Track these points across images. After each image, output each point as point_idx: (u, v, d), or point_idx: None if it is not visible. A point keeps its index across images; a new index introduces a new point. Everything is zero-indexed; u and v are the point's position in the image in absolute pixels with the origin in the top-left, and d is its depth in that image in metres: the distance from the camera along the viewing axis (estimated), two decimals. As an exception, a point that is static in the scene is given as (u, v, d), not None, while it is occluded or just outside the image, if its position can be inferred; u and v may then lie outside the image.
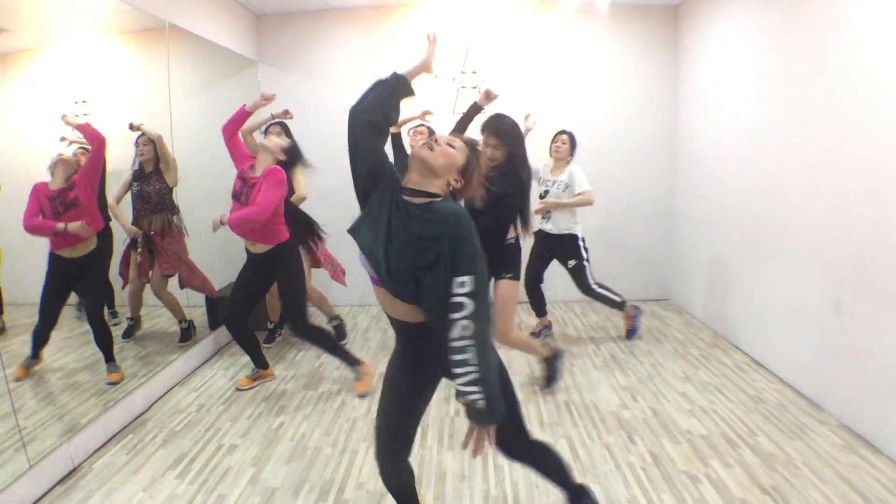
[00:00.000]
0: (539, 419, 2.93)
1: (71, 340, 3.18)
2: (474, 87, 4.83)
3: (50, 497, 2.30)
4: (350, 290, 4.40)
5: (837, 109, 2.82)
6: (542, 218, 3.85)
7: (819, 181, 2.96)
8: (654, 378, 3.40)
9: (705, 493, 2.27)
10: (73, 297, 3.04)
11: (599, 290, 3.93)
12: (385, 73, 1.69)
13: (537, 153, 3.76)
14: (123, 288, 3.50)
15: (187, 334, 3.73)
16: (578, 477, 2.38)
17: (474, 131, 2.85)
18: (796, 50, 3.15)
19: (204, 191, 4.20)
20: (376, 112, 1.62)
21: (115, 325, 3.54)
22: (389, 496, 2.25)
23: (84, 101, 3.12)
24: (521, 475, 2.41)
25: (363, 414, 3.02)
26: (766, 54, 3.46)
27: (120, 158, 3.48)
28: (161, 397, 3.25)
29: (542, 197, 3.82)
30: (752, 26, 3.62)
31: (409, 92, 1.71)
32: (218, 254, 4.45)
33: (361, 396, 3.22)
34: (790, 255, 3.24)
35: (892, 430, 2.48)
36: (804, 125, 3.09)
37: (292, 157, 3.22)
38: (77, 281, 2.94)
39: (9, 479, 2.18)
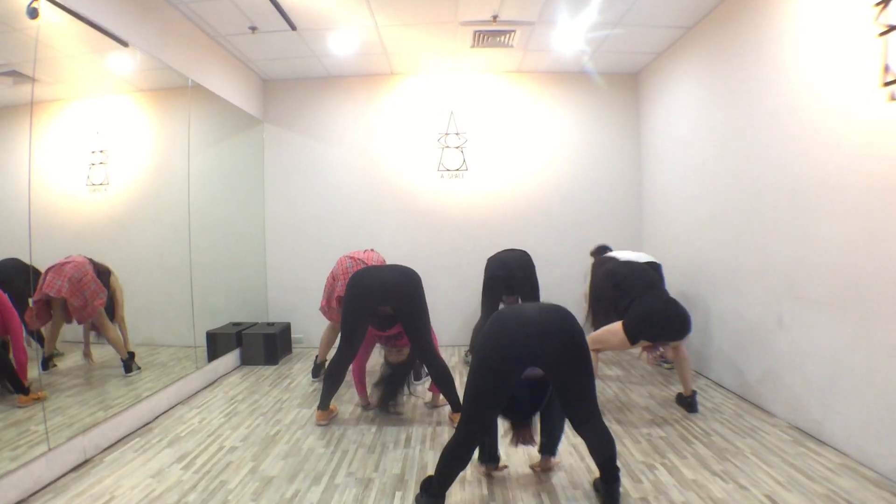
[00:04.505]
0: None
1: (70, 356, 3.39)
2: (457, 147, 5.36)
3: (64, 480, 2.52)
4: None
5: (765, 149, 3.32)
6: None
7: (757, 213, 3.42)
8: (620, 397, 3.69)
9: (661, 476, 2.53)
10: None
11: None
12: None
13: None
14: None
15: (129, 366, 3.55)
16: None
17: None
18: (732, 103, 3.70)
19: (216, 232, 4.59)
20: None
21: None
22: (376, 481, 2.54)
23: (102, 151, 3.51)
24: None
25: (353, 423, 3.27)
26: (709, 111, 4.02)
27: (139, 203, 3.78)
28: (165, 412, 3.48)
29: None
30: (698, 88, 4.21)
31: None
32: (219, 294, 4.78)
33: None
34: (736, 282, 3.64)
35: (834, 423, 2.79)
36: (741, 166, 3.59)
37: None
38: None
39: (29, 457, 2.40)
